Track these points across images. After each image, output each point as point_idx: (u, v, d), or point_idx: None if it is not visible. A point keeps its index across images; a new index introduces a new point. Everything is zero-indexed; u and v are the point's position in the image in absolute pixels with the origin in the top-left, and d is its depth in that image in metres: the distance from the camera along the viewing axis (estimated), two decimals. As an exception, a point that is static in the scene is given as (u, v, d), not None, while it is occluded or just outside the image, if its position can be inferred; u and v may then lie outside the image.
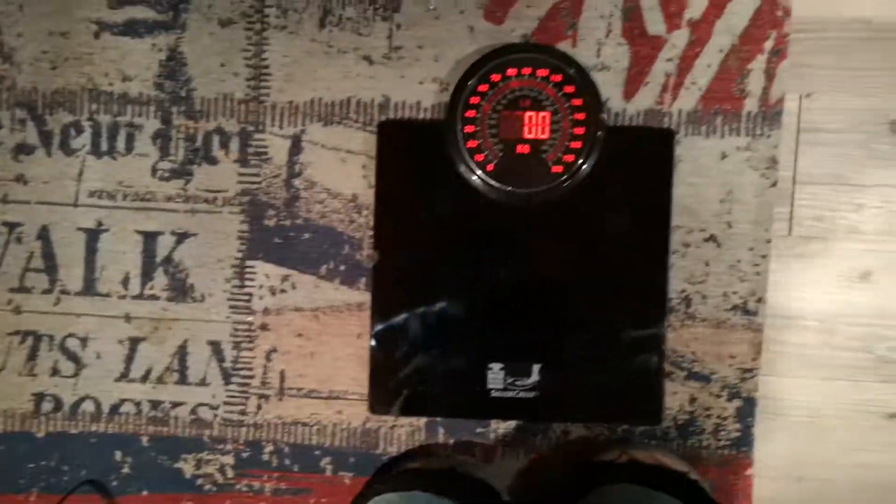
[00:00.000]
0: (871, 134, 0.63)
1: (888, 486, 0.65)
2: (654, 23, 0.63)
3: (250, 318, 0.66)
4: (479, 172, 0.62)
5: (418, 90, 0.65)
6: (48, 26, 0.66)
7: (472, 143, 0.62)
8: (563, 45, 0.64)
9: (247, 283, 0.66)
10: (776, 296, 0.64)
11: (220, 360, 0.67)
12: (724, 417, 0.65)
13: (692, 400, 0.65)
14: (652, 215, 0.64)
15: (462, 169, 0.62)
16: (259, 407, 0.67)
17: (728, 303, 0.64)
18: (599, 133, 0.61)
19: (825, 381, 0.65)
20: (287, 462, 0.67)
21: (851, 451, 0.65)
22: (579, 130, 0.62)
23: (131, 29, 0.65)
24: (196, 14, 0.65)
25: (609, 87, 0.64)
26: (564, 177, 0.62)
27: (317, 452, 0.67)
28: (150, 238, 0.66)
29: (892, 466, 0.65)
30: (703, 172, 0.64)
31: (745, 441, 0.65)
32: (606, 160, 0.62)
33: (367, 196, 0.65)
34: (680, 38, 0.63)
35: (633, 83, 0.64)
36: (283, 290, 0.66)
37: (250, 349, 0.66)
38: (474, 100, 0.62)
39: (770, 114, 0.63)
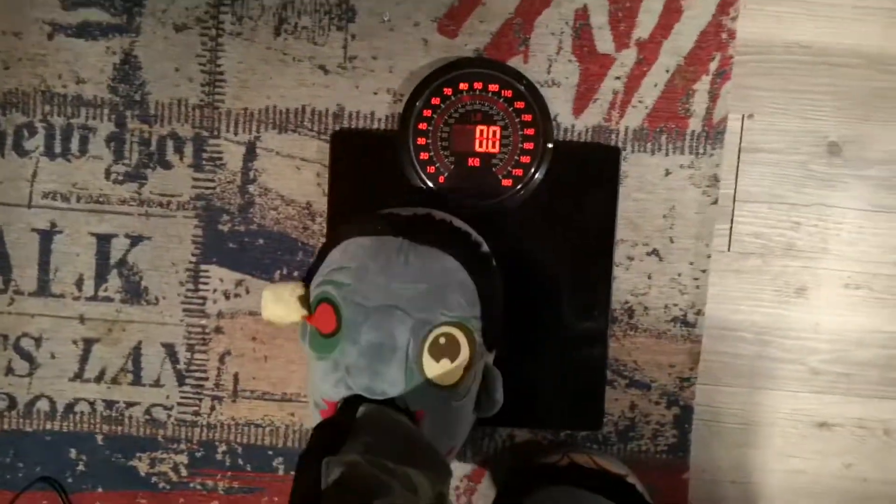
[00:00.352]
0: (809, 155, 0.65)
1: (818, 492, 0.69)
2: (604, 41, 0.64)
3: (204, 322, 0.67)
4: (430, 184, 0.64)
5: (372, 100, 0.65)
6: (0, 26, 0.65)
7: (424, 155, 0.64)
8: (515, 61, 0.65)
9: (201, 286, 0.67)
10: (715, 308, 0.67)
11: (175, 361, 0.68)
12: (663, 424, 0.67)
13: (632, 406, 0.67)
14: (597, 229, 0.65)
15: (414, 180, 0.64)
16: (213, 408, 0.68)
17: (669, 314, 0.66)
18: (548, 148, 0.63)
19: (759, 390, 0.68)
20: (240, 462, 0.68)
21: (784, 456, 0.68)
22: (529, 145, 0.63)
23: (85, 31, 0.65)
24: (151, 18, 0.65)
25: (559, 102, 0.65)
26: (514, 190, 0.64)
27: (269, 453, 0.68)
28: (103, 240, 0.67)
29: (821, 472, 0.68)
30: (647, 188, 0.65)
31: (682, 446, 0.67)
32: (555, 174, 0.64)
33: (321, 203, 0.66)
34: (628, 57, 0.64)
35: (582, 100, 0.65)
36: (237, 295, 0.67)
37: (204, 352, 0.68)
38: (427, 112, 0.63)
39: (713, 133, 0.65)
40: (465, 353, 0.52)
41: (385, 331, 0.51)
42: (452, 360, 0.52)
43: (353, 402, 0.51)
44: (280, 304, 0.54)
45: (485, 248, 0.58)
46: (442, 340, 0.52)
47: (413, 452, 0.48)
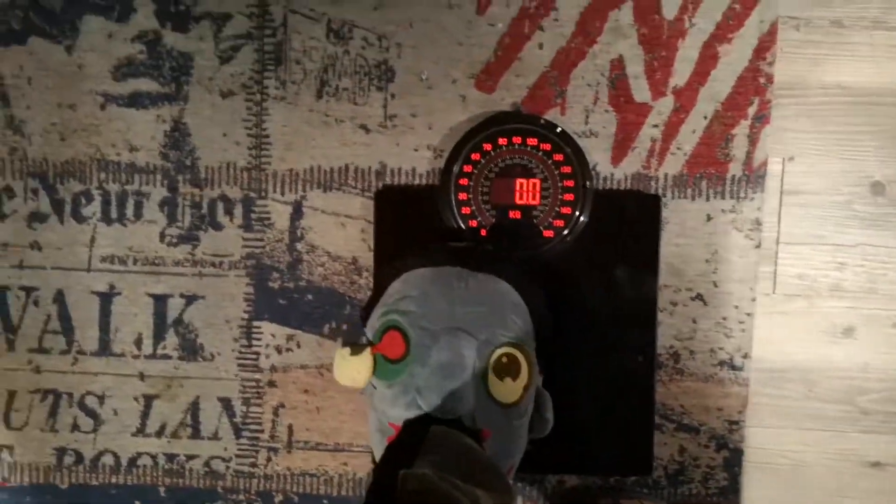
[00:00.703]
0: (852, 195, 0.65)
1: (871, 529, 0.68)
2: (640, 90, 0.65)
3: (258, 376, 0.69)
4: (472, 237, 0.65)
5: (413, 157, 0.67)
6: (56, 99, 0.68)
7: (465, 210, 0.65)
8: (552, 113, 0.66)
9: (254, 342, 0.69)
10: (762, 351, 0.67)
11: (231, 415, 0.70)
12: (713, 467, 0.67)
13: (681, 450, 0.67)
14: (640, 275, 0.66)
15: (456, 233, 0.65)
16: (269, 459, 0.70)
17: (715, 358, 0.66)
18: (588, 198, 0.63)
19: (809, 431, 0.67)
20: (295, 510, 0.70)
21: (835, 497, 0.68)
22: (569, 196, 0.64)
23: (136, 101, 0.68)
24: (198, 86, 0.67)
25: (597, 152, 0.66)
26: (555, 240, 0.64)
27: (324, 502, 0.70)
28: (160, 300, 0.69)
29: (874, 510, 0.68)
30: (689, 234, 0.66)
31: (732, 489, 0.67)
32: (596, 223, 0.64)
33: (367, 258, 0.68)
34: (665, 105, 0.65)
35: (620, 148, 0.66)
36: (288, 349, 0.69)
37: (259, 405, 0.70)
38: (467, 168, 0.64)
39: (753, 177, 0.65)
40: (524, 371, 0.54)
41: (453, 351, 0.53)
42: (514, 379, 0.54)
43: (420, 422, 0.53)
44: (353, 367, 0.56)
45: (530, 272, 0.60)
46: (504, 360, 0.54)
47: (479, 472, 0.50)
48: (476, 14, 0.65)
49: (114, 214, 0.69)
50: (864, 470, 0.67)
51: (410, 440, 0.52)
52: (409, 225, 0.67)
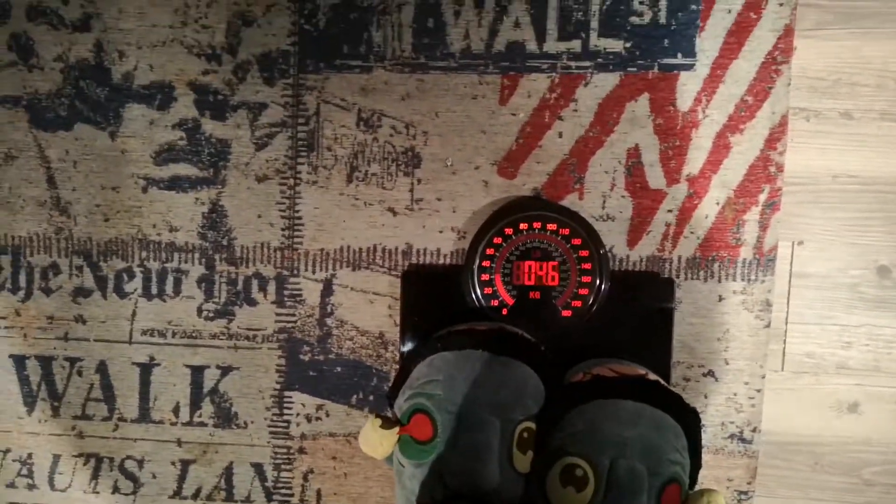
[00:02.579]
0: (859, 278, 0.66)
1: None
2: (655, 177, 0.66)
3: (289, 443, 0.71)
4: (493, 316, 0.66)
5: (438, 238, 0.68)
6: (100, 181, 0.70)
7: (487, 290, 0.66)
8: (571, 198, 0.67)
9: (285, 411, 0.71)
10: (770, 425, 0.68)
11: (263, 479, 0.72)
12: (722, 533, 0.69)
13: (692, 518, 0.68)
14: (654, 352, 0.67)
15: (478, 312, 0.66)
16: (298, 522, 0.72)
17: (725, 432, 0.68)
18: (605, 281, 0.65)
19: (815, 502, 0.69)
20: (324, 569, 0.72)
21: (840, 563, 0.69)
22: (587, 279, 0.65)
23: (176, 184, 0.70)
24: (235, 171, 0.69)
25: (614, 235, 0.67)
26: (573, 320, 0.66)
27: (351, 562, 0.72)
28: (197, 371, 0.71)
29: (878, 574, 0.69)
30: (701, 313, 0.67)
31: (741, 554, 0.69)
32: (613, 303, 0.66)
33: (393, 333, 0.70)
34: (679, 191, 0.66)
35: (636, 232, 0.67)
36: (317, 418, 0.71)
37: (289, 470, 0.71)
38: (490, 251, 0.66)
39: (764, 260, 0.66)
40: None
41: (480, 433, 0.55)
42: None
43: (445, 500, 0.54)
44: (379, 439, 0.57)
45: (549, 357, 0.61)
46: (525, 435, 0.56)
47: None
48: (498, 104, 0.67)
49: (154, 290, 0.71)
50: (869, 538, 0.69)
51: None
52: (434, 303, 0.68)
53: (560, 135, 0.66)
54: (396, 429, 0.57)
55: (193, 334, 0.71)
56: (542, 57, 0.66)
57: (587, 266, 0.65)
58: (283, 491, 0.72)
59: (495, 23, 0.66)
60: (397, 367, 0.69)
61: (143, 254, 0.71)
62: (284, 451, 0.71)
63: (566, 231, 0.65)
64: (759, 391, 0.67)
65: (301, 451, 0.71)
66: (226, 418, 0.72)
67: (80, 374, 0.72)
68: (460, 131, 0.67)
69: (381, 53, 0.67)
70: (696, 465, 0.58)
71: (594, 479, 0.54)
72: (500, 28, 0.66)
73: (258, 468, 0.72)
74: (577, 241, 0.65)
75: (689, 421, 0.57)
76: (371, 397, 0.70)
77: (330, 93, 0.68)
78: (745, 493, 0.68)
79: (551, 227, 0.65)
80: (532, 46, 0.66)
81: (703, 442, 0.65)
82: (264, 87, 0.68)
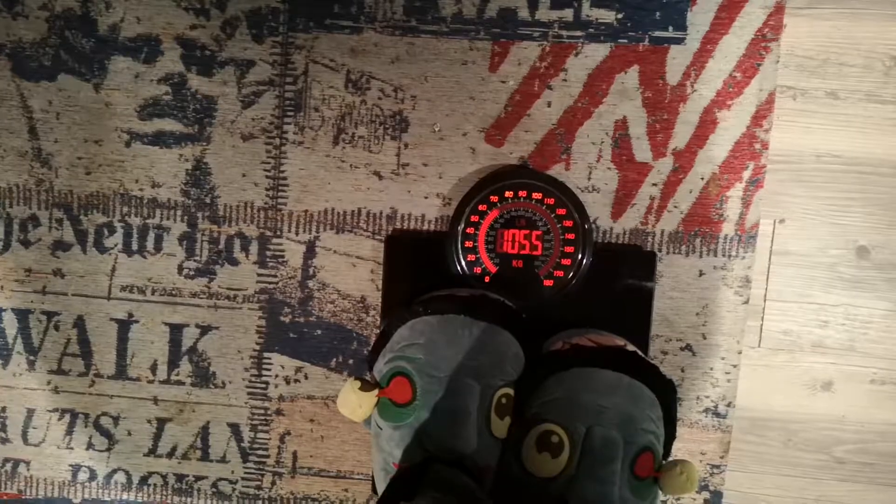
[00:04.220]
0: (838, 258, 0.65)
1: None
2: (642, 150, 0.65)
3: (266, 404, 0.69)
4: (476, 283, 0.65)
5: (423, 204, 0.67)
6: (83, 134, 0.68)
7: (470, 257, 0.65)
8: (557, 168, 0.66)
9: (263, 372, 0.69)
10: (745, 400, 0.67)
11: (239, 440, 0.70)
12: (693, 506, 0.68)
13: (664, 490, 0.68)
14: (633, 324, 0.66)
15: (460, 279, 0.65)
16: (273, 483, 0.70)
17: (700, 405, 0.67)
18: (587, 252, 0.63)
19: (787, 477, 0.68)
20: (298, 531, 0.70)
21: (807, 538, 0.69)
22: (569, 249, 0.64)
23: (160, 139, 0.67)
24: (220, 128, 0.67)
25: (598, 207, 0.66)
26: (554, 290, 0.64)
27: (325, 525, 0.70)
28: (176, 330, 0.69)
29: (844, 551, 0.69)
30: (681, 287, 0.66)
31: (711, 527, 0.68)
32: (594, 274, 0.64)
33: (375, 298, 0.68)
34: (665, 165, 0.65)
35: (620, 204, 0.66)
36: (296, 380, 0.69)
37: (266, 431, 0.70)
38: (474, 218, 0.64)
39: (745, 237, 0.65)
40: None
41: (459, 398, 0.53)
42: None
43: (423, 462, 0.53)
44: (357, 401, 0.56)
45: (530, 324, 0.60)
46: (504, 401, 0.55)
47: None
48: (488, 71, 0.65)
49: (134, 246, 0.69)
50: (837, 515, 0.68)
51: (411, 478, 0.53)
52: (416, 268, 0.67)
53: (549, 104, 0.65)
54: (375, 391, 0.55)
55: (173, 292, 0.69)
56: (533, 25, 0.64)
57: (571, 237, 0.64)
58: (259, 452, 0.70)
59: (488, -12, 0.64)
60: (378, 331, 0.67)
61: (125, 209, 0.68)
62: (262, 412, 0.69)
63: (551, 201, 0.64)
64: (735, 367, 0.66)
65: (278, 412, 0.69)
66: (203, 378, 0.70)
67: (56, 328, 0.70)
68: (449, 97, 0.65)
69: (372, 15, 0.65)
70: (670, 435, 0.57)
71: (569, 446, 0.53)
72: (492, -6, 0.64)
73: (235, 428, 0.70)
74: (561, 212, 0.64)
75: (665, 391, 0.56)
76: (351, 361, 0.69)
77: (319, 52, 0.65)
78: (718, 466, 0.67)
79: (536, 196, 0.64)
80: (524, 14, 0.64)
81: (678, 415, 0.65)
82: (252, 44, 0.66)
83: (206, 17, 0.65)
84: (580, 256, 0.64)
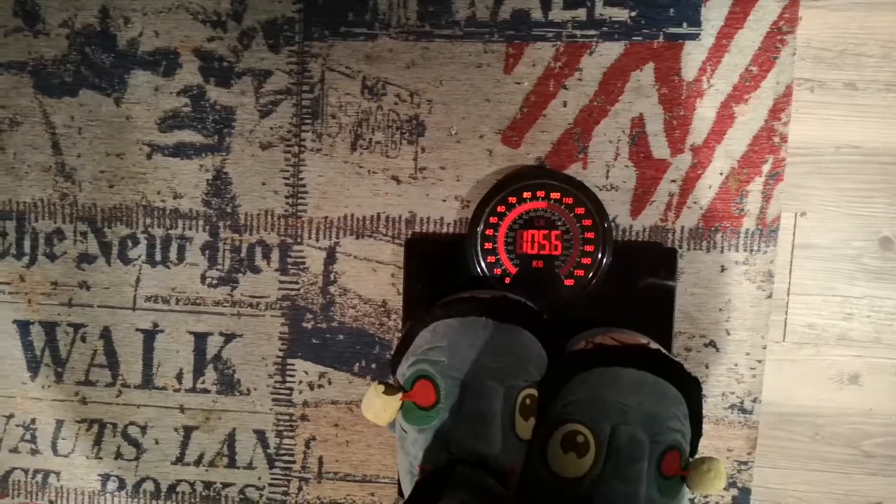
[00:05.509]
0: (861, 249, 0.63)
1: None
2: (659, 147, 0.63)
3: (291, 410, 0.68)
4: (496, 285, 0.63)
5: (441, 207, 0.66)
6: (105, 148, 0.67)
7: (490, 259, 0.63)
8: (575, 167, 0.64)
9: (287, 378, 0.68)
10: (771, 396, 0.65)
11: (265, 446, 0.69)
12: None
13: (692, 488, 0.66)
14: (656, 322, 0.64)
15: (481, 281, 0.63)
16: (300, 489, 0.69)
17: (726, 402, 0.65)
18: (608, 250, 0.62)
19: (815, 472, 0.66)
20: (325, 536, 0.69)
21: (838, 534, 0.66)
22: (589, 248, 0.62)
23: (180, 151, 0.67)
24: (239, 138, 0.66)
25: (617, 205, 0.64)
26: (575, 289, 0.63)
27: (352, 529, 0.69)
28: (200, 338, 0.68)
29: (875, 545, 0.66)
30: (703, 284, 0.64)
31: (740, 524, 0.66)
32: (615, 273, 0.63)
33: (396, 302, 0.67)
34: (683, 161, 0.63)
35: (639, 202, 0.64)
36: (320, 386, 0.68)
37: (292, 437, 0.69)
38: (493, 220, 0.63)
39: (767, 231, 0.63)
40: None
41: (483, 400, 0.52)
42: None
43: (448, 464, 0.52)
44: (381, 405, 0.54)
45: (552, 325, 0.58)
46: (527, 402, 0.54)
47: None
48: (503, 73, 0.64)
49: (158, 257, 0.68)
50: (868, 510, 0.66)
51: (436, 480, 0.52)
52: (437, 271, 0.65)
53: (564, 104, 0.64)
54: (399, 394, 0.54)
55: (197, 301, 0.68)
56: (547, 25, 0.63)
57: (590, 235, 0.62)
58: (286, 458, 0.69)
59: (501, -10, 0.63)
60: (400, 335, 0.66)
61: (148, 220, 0.68)
62: (287, 418, 0.68)
63: (570, 200, 0.62)
64: (760, 362, 0.64)
65: (303, 418, 0.68)
66: (229, 385, 0.69)
67: (83, 339, 0.69)
68: (465, 100, 0.64)
69: (386, 21, 0.64)
70: (696, 433, 0.55)
71: (595, 446, 0.51)
72: (505, -4, 0.63)
73: (260, 435, 0.69)
74: (580, 211, 0.62)
75: (691, 389, 0.55)
76: (374, 365, 0.67)
77: (335, 60, 0.65)
78: (745, 463, 0.65)
79: (555, 196, 0.63)
80: (537, 15, 0.63)
81: (704, 412, 0.62)
82: (269, 54, 0.65)
83: (224, 29, 0.65)
84: (600, 255, 0.62)
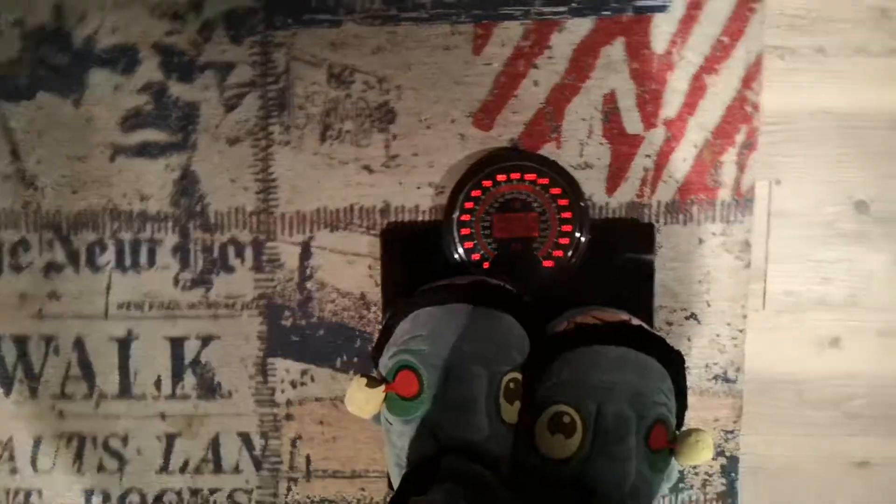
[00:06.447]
0: (836, 214, 0.63)
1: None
2: (632, 122, 0.62)
3: (275, 410, 0.66)
4: (475, 270, 0.62)
5: (416, 195, 0.63)
6: (66, 152, 0.64)
7: (468, 244, 0.61)
8: (549, 147, 0.62)
9: (269, 378, 0.66)
10: (753, 364, 0.64)
11: (251, 448, 0.66)
12: (711, 474, 0.65)
13: (681, 461, 0.65)
14: (637, 298, 0.63)
15: (460, 267, 0.62)
16: (289, 489, 0.67)
17: (710, 373, 0.64)
18: (585, 229, 0.61)
19: (800, 437, 0.65)
20: (318, 534, 0.67)
21: (827, 496, 0.66)
22: (567, 227, 0.61)
23: (144, 151, 0.64)
24: (205, 134, 0.63)
25: (592, 183, 0.63)
26: (555, 270, 0.61)
27: (344, 525, 0.67)
28: (177, 343, 0.66)
29: (863, 506, 0.66)
30: (682, 257, 0.63)
31: (730, 493, 0.65)
32: (593, 251, 0.61)
33: (375, 293, 0.64)
34: (657, 135, 0.62)
35: (614, 179, 0.63)
36: (302, 383, 0.66)
37: (277, 437, 0.66)
38: (468, 205, 0.61)
39: (742, 201, 0.62)
40: None
41: (466, 386, 0.50)
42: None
43: (435, 455, 0.50)
44: (364, 398, 0.53)
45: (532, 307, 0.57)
46: (512, 385, 0.52)
47: (490, 498, 0.48)
48: (472, 54, 0.62)
49: (128, 262, 0.65)
50: (853, 470, 0.66)
51: (424, 471, 0.50)
52: (415, 260, 0.63)
53: (535, 83, 0.62)
54: (382, 387, 0.52)
55: (171, 305, 0.65)
56: (515, 3, 0.61)
57: (567, 215, 0.61)
58: (272, 459, 0.66)
59: (465, -29, 0.61)
60: (380, 327, 0.64)
61: (115, 225, 0.65)
62: (271, 418, 0.66)
63: (545, 181, 0.61)
64: (741, 331, 0.63)
65: (288, 417, 0.66)
66: (209, 389, 0.66)
67: (56, 352, 0.66)
68: (434, 84, 0.62)
69: (350, 6, 0.61)
70: (682, 406, 0.55)
71: (581, 426, 0.50)
72: (469, -24, 0.61)
73: (245, 438, 0.66)
74: (556, 191, 0.61)
75: (674, 363, 0.54)
76: (355, 359, 0.65)
77: (299, 49, 0.62)
78: (731, 432, 0.64)
79: (530, 177, 0.61)
80: (503, -7, 0.61)
81: (689, 384, 0.61)
82: (231, 45, 0.62)
83: (182, 21, 0.62)
84: (578, 235, 0.61)
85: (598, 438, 0.50)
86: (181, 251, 0.64)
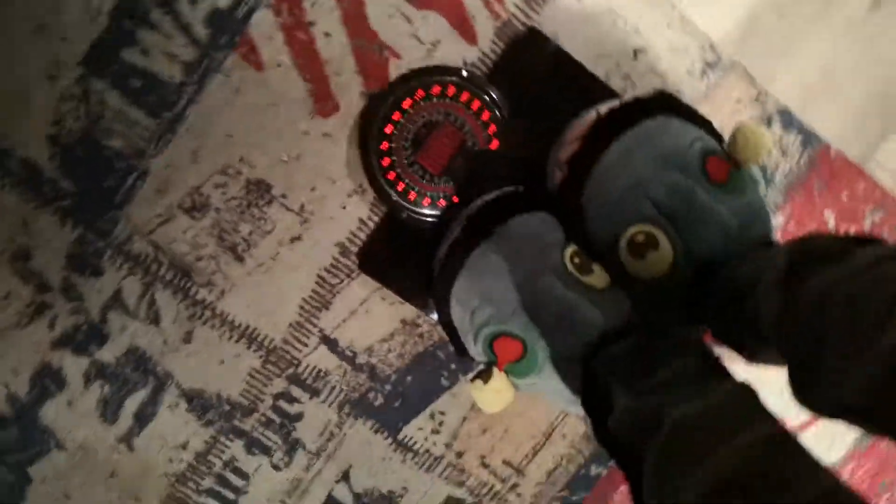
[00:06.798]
0: None
1: None
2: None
3: (447, 460, 0.64)
4: (446, 213, 0.57)
5: (347, 213, 0.59)
6: None
7: (411, 195, 0.57)
8: (393, 65, 0.56)
9: (413, 446, 0.64)
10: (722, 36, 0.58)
11: None
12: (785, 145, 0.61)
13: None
14: (580, 85, 0.58)
15: (430, 223, 0.57)
16: None
17: (694, 75, 0.59)
18: (491, 93, 0.56)
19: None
20: None
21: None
22: (476, 104, 0.56)
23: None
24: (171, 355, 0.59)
25: (450, 45, 0.56)
26: (505, 140, 0.57)
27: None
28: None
29: None
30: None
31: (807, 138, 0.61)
32: (513, 99, 0.56)
33: (409, 309, 0.61)
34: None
35: (467, 33, 0.57)
36: (440, 423, 0.64)
37: (464, 471, 0.65)
38: (391, 175, 0.56)
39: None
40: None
41: (547, 301, 0.47)
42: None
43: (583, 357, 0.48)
44: (494, 391, 0.50)
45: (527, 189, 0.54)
46: (576, 259, 0.49)
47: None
48: (257, 71, 0.55)
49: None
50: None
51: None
52: (402, 257, 0.59)
53: (326, 34, 0.55)
54: (494, 371, 0.49)
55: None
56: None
57: (466, 96, 0.56)
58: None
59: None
60: (440, 326, 0.60)
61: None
62: (450, 469, 0.64)
63: (433, 90, 0.55)
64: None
65: (458, 455, 0.64)
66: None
67: None
68: (263, 128, 0.56)
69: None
70: (712, 131, 0.51)
71: (655, 228, 0.48)
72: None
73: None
74: (444, 90, 0.55)
75: (671, 104, 0.50)
76: (453, 366, 0.63)
77: (142, 224, 0.57)
78: (760, 94, 0.60)
79: (418, 96, 0.55)
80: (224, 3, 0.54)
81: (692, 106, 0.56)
82: (98, 278, 0.57)
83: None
84: (492, 103, 0.56)
85: (679, 221, 0.47)
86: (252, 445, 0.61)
